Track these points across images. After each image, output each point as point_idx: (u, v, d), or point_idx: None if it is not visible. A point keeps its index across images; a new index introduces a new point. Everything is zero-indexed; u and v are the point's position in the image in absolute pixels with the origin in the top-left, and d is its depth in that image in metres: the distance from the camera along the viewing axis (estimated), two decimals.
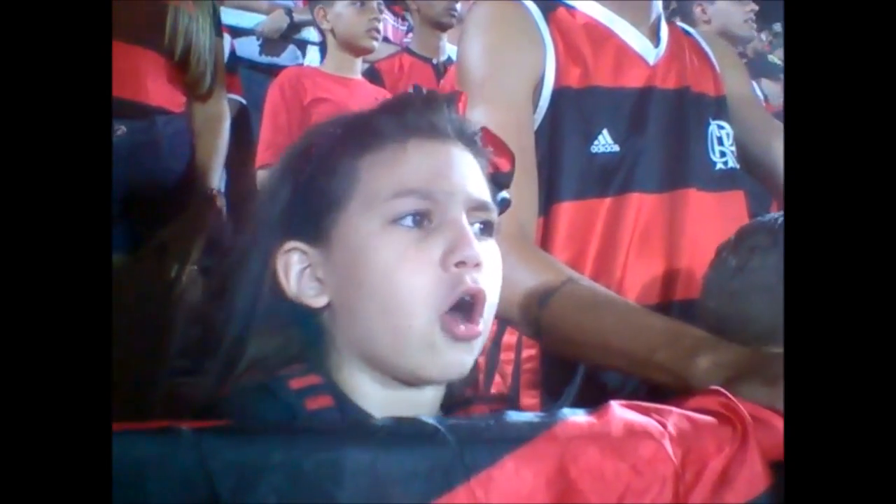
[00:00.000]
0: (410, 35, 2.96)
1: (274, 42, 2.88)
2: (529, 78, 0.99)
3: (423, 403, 0.66)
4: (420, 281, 0.62)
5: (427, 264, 0.62)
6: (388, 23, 2.54)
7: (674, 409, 0.61)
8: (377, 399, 0.65)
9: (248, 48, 2.86)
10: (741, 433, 0.59)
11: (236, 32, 2.80)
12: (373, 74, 2.35)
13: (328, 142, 0.67)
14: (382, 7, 2.22)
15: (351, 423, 0.59)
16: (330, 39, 2.18)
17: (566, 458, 0.55)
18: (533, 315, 0.85)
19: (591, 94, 1.01)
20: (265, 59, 2.87)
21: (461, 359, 0.63)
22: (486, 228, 0.67)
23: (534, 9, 1.02)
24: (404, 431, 0.55)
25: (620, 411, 0.59)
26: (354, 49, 2.17)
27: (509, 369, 1.03)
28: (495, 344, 1.04)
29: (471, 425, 0.56)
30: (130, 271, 1.57)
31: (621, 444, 0.57)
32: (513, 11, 1.02)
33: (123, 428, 0.51)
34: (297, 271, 0.65)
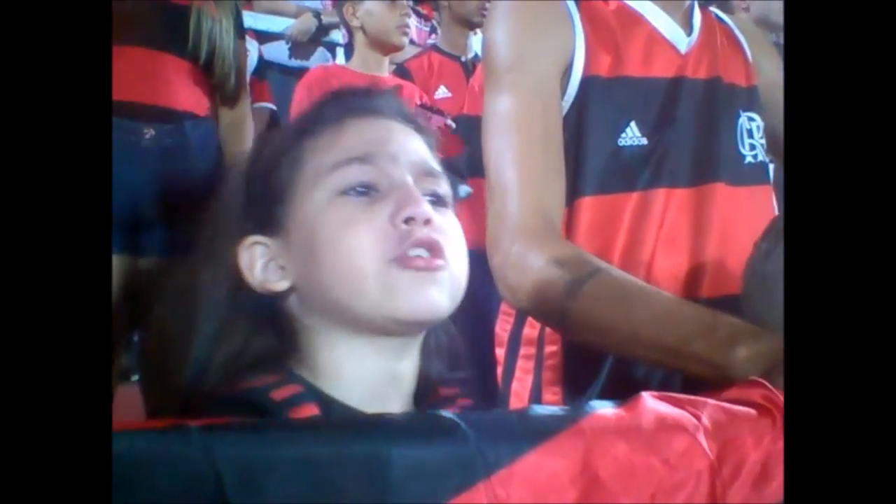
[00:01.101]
0: (434, 36, 2.95)
1: (303, 45, 2.89)
2: (558, 64, 0.96)
3: (402, 376, 0.66)
4: (368, 237, 0.62)
5: (375, 224, 0.62)
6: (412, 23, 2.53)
7: (709, 400, 0.57)
8: (357, 377, 0.64)
9: (278, 53, 2.87)
10: (782, 426, 0.56)
11: (265, 37, 2.82)
12: (403, 73, 2.34)
13: (277, 137, 0.70)
14: (411, 3, 2.20)
15: (365, 418, 0.57)
16: (358, 37, 2.18)
17: (593, 453, 0.52)
18: (560, 306, 0.83)
19: (620, 84, 0.97)
20: (295, 62, 2.89)
21: (427, 293, 0.62)
22: (439, 200, 0.67)
23: None
24: (421, 425, 0.52)
25: (652, 403, 0.56)
26: (384, 46, 2.16)
27: (530, 364, 1.00)
28: (514, 338, 1.01)
29: (492, 419, 0.54)
30: (164, 274, 1.57)
31: (652, 437, 0.54)
32: None
33: (128, 426, 0.49)
34: (261, 264, 0.67)
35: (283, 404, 0.61)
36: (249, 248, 0.67)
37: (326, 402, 0.63)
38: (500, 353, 1.03)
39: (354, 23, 2.16)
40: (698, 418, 0.56)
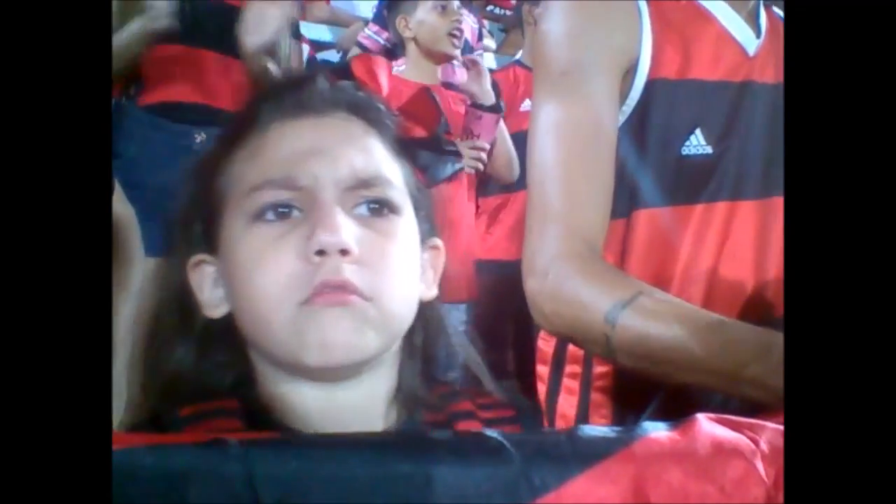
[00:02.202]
0: (482, 42, 2.97)
1: None
2: (619, 66, 0.87)
3: (358, 405, 0.59)
4: (275, 277, 0.56)
5: (285, 260, 0.56)
6: (466, 23, 2.55)
7: (768, 423, 0.54)
8: (303, 403, 0.59)
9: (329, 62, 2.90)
10: None
11: (318, 46, 2.85)
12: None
13: (212, 146, 0.64)
14: (462, 10, 2.21)
15: (406, 437, 0.55)
16: (411, 48, 2.19)
17: (645, 478, 0.50)
18: (603, 333, 0.78)
19: (687, 87, 0.90)
20: None
21: (339, 334, 0.55)
22: (381, 208, 0.59)
23: None
24: (465, 446, 0.50)
25: (708, 426, 0.54)
26: (436, 55, 2.17)
27: (576, 384, 0.95)
28: (559, 354, 0.97)
29: (539, 441, 0.52)
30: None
31: (708, 463, 0.51)
32: None
33: (165, 440, 0.48)
34: (209, 283, 0.62)
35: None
36: (197, 268, 0.63)
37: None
38: (542, 370, 0.99)
39: (407, 34, 2.18)
40: (756, 443, 0.53)
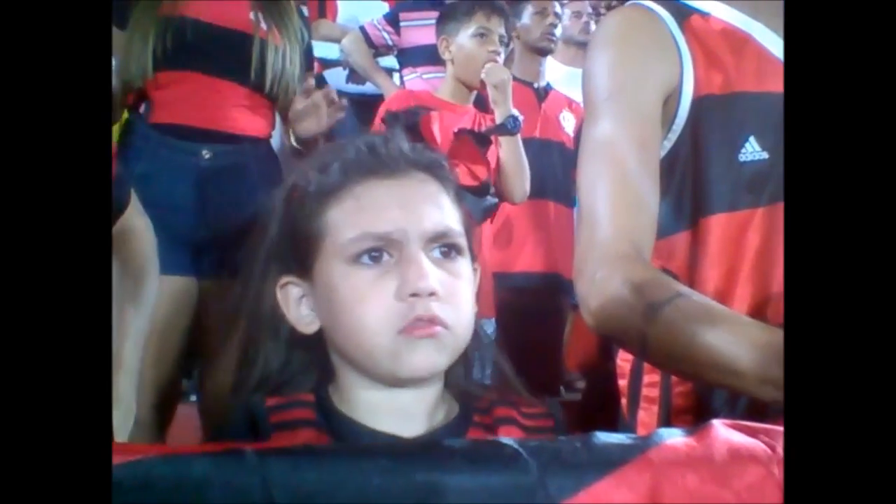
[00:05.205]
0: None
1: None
2: (660, 91, 0.95)
3: (418, 400, 0.73)
4: (378, 312, 0.69)
5: (383, 299, 0.69)
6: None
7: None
8: (374, 402, 0.72)
9: (336, 79, 2.91)
10: None
11: (324, 64, 2.86)
12: (482, 100, 2.35)
13: (303, 189, 0.75)
14: (505, 40, 2.21)
15: (422, 445, 0.55)
16: (449, 69, 2.21)
17: (662, 485, 0.50)
18: (639, 332, 0.81)
19: (735, 100, 0.96)
20: (352, 87, 2.92)
21: (427, 356, 0.70)
22: (450, 251, 0.73)
23: (667, 17, 0.97)
24: (481, 454, 0.50)
25: (724, 432, 0.54)
26: (468, 84, 2.18)
27: (655, 392, 0.98)
28: (637, 368, 0.99)
29: (555, 448, 0.51)
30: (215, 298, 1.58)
31: (724, 469, 0.51)
32: (645, 21, 0.97)
33: (181, 450, 0.48)
34: (295, 302, 0.75)
35: (277, 426, 0.69)
36: (284, 288, 0.75)
37: (341, 430, 0.71)
38: (622, 384, 1.02)
39: (447, 56, 2.20)
40: (773, 449, 0.53)
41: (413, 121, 2.05)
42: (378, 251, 0.71)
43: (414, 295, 0.69)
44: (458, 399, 0.76)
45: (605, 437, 0.53)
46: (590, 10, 3.06)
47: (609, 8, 2.99)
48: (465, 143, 2.06)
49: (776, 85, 0.96)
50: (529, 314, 2.38)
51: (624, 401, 1.02)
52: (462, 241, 0.74)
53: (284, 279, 0.75)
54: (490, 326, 2.13)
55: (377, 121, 2.19)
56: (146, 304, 1.12)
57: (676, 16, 0.98)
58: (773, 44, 0.99)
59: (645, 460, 0.51)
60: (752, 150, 0.95)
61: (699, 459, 0.51)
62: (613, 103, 0.94)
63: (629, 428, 0.99)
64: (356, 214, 0.72)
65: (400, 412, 0.72)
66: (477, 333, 0.77)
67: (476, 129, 2.15)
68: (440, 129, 2.08)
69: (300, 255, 0.74)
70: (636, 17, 0.98)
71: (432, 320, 0.69)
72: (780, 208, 0.94)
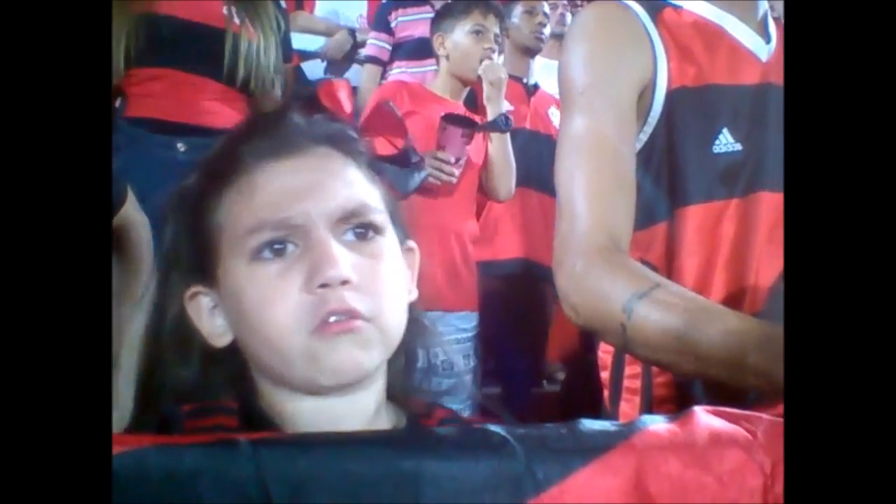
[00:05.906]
0: None
1: (338, 63, 2.91)
2: (635, 83, 0.96)
3: (353, 410, 0.64)
4: (283, 310, 0.61)
5: (291, 296, 0.61)
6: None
7: (764, 415, 0.56)
8: (303, 414, 0.64)
9: (314, 71, 2.90)
10: None
11: (302, 56, 2.85)
12: (472, 96, 2.35)
13: (195, 182, 0.67)
14: (500, 38, 2.22)
15: (412, 433, 0.56)
16: (443, 65, 2.22)
17: (645, 470, 0.51)
18: (619, 323, 0.82)
19: (708, 92, 0.97)
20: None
21: (350, 356, 0.61)
22: (366, 231, 0.64)
23: (640, 11, 0.99)
24: (469, 441, 0.51)
25: (705, 418, 0.55)
26: (463, 80, 2.18)
27: (637, 384, 0.99)
28: (618, 360, 1.01)
29: (541, 435, 0.53)
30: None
31: (705, 454, 0.53)
32: (619, 15, 0.99)
33: (173, 440, 0.49)
34: (207, 313, 0.66)
35: (193, 432, 0.60)
36: (194, 299, 0.66)
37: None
38: (604, 376, 1.03)
39: (442, 52, 2.21)
40: (754, 434, 0.54)
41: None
42: (281, 242, 0.62)
43: (324, 286, 0.60)
44: (403, 403, 0.68)
45: (590, 424, 0.54)
46: (565, 0, 3.08)
47: (585, 1, 3.01)
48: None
49: (748, 77, 0.99)
50: (513, 303, 2.41)
51: (606, 392, 1.03)
52: (380, 218, 0.65)
53: (193, 289, 0.66)
54: (471, 321, 2.13)
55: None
56: (143, 302, 1.12)
57: (649, 9, 0.99)
58: (746, 36, 1.01)
59: (629, 446, 0.52)
60: (726, 142, 0.96)
61: (681, 445, 0.53)
62: (589, 97, 0.95)
63: (612, 419, 1.00)
64: (250, 202, 0.63)
65: (333, 424, 0.62)
66: (417, 322, 0.68)
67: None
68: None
69: (200, 259, 0.65)
70: (610, 12, 1.00)
71: (349, 313, 0.60)
72: (753, 199, 0.96)
